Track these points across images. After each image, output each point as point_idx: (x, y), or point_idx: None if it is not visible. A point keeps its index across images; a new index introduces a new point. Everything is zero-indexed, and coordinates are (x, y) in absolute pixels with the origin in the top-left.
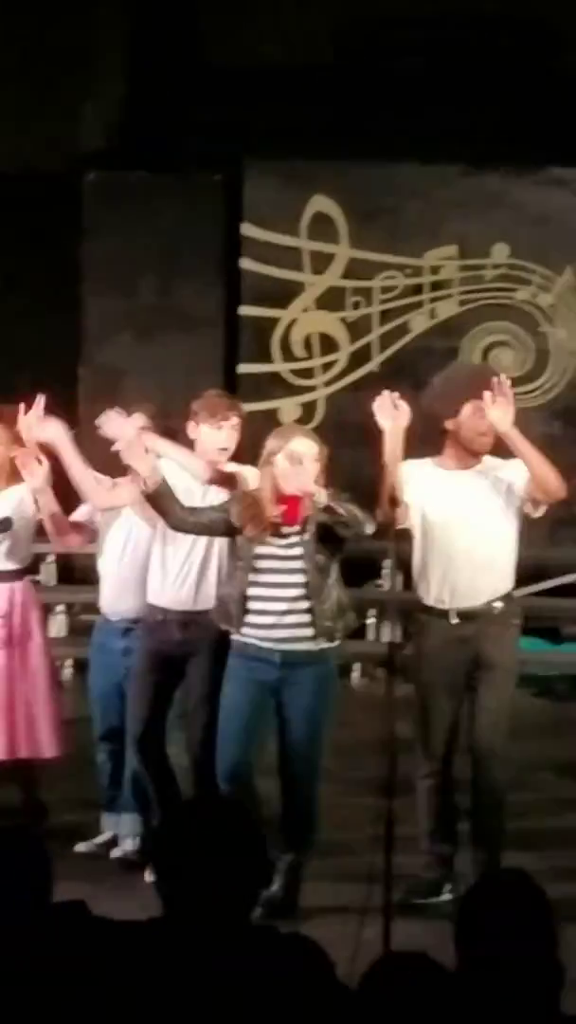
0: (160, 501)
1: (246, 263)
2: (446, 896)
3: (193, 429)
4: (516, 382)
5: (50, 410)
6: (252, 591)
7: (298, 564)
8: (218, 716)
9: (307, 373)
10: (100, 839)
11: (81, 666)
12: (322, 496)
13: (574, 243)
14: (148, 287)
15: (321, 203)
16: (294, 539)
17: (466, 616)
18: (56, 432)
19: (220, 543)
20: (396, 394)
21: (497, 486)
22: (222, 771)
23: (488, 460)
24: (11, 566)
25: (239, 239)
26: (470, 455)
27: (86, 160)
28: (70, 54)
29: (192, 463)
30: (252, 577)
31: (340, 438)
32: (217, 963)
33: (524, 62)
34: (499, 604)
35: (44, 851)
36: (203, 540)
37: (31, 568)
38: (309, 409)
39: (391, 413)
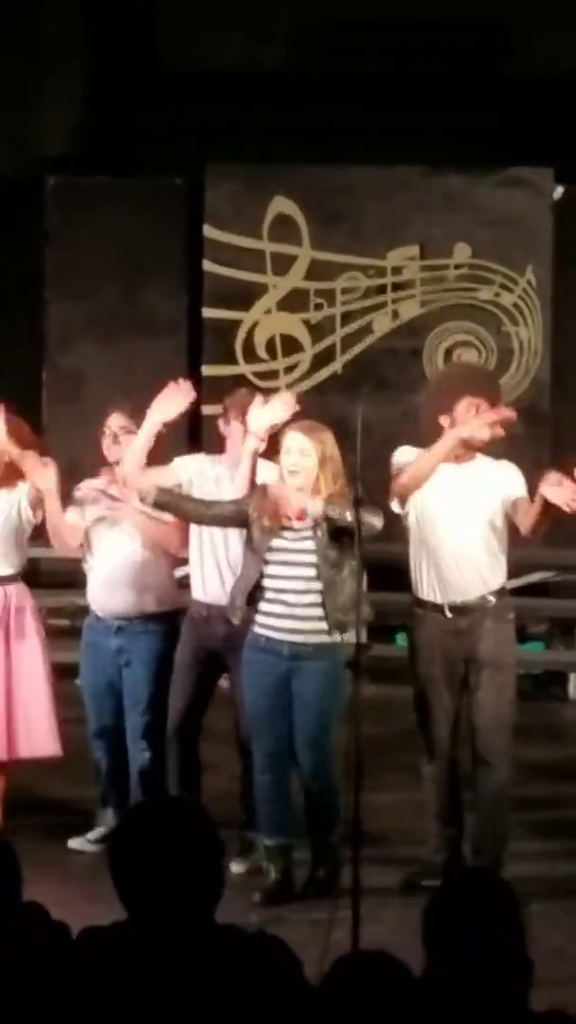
0: (170, 507)
1: (208, 265)
2: None
3: (224, 426)
4: None
5: (13, 414)
6: (265, 583)
7: (309, 558)
8: None
9: (271, 375)
10: (93, 835)
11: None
12: (316, 507)
13: (535, 243)
14: (111, 291)
15: (282, 205)
16: (305, 533)
17: (460, 610)
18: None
19: None
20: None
21: (487, 483)
22: (257, 763)
23: (481, 458)
24: (6, 570)
25: (201, 242)
26: (465, 450)
27: (47, 165)
28: (29, 59)
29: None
30: (265, 569)
31: None
32: (183, 964)
33: (483, 63)
34: (492, 598)
35: (12, 856)
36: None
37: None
38: None
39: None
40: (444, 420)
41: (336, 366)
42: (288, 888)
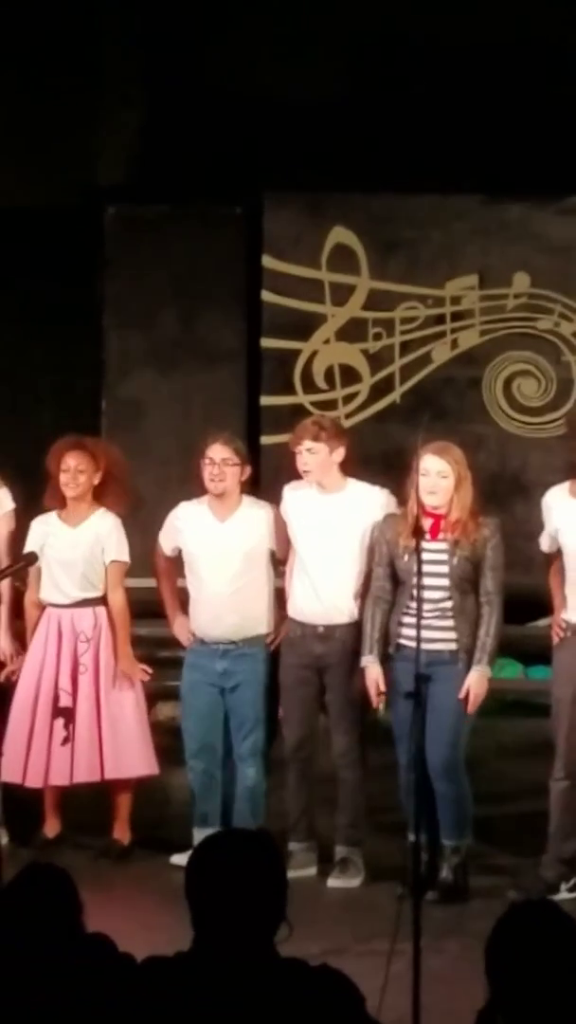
0: None
1: (267, 295)
2: (564, 895)
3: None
4: (538, 412)
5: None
6: (403, 595)
7: (442, 581)
8: (360, 724)
9: (329, 405)
10: None
11: None
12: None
13: None
14: (169, 320)
15: (341, 235)
16: (441, 556)
17: None
18: None
19: (363, 556)
20: None
21: None
22: (403, 763)
23: None
24: (93, 593)
25: (260, 271)
26: None
27: (106, 195)
28: (87, 89)
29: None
30: (404, 584)
31: (363, 470)
32: (247, 997)
33: (543, 91)
34: None
35: (71, 886)
36: (345, 554)
37: None
38: None
39: None
40: None
41: (395, 396)
42: (462, 886)
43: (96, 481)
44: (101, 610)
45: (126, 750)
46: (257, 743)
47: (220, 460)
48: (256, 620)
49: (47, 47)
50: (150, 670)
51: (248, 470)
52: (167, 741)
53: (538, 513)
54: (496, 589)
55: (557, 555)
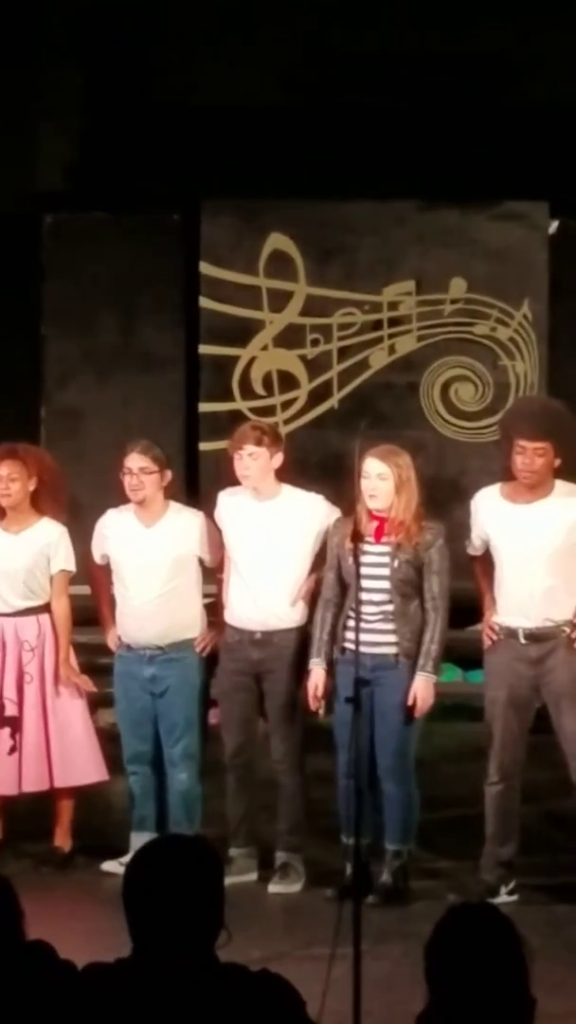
0: None
1: (204, 302)
2: (503, 898)
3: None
4: (476, 416)
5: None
6: (348, 599)
7: (383, 584)
8: (299, 730)
9: (268, 411)
10: (127, 858)
11: None
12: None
13: (531, 277)
14: (108, 327)
15: (278, 241)
16: (383, 559)
17: (534, 638)
18: None
19: (300, 562)
20: None
21: (563, 516)
22: (341, 767)
23: (560, 486)
24: (36, 601)
25: (197, 278)
26: (532, 489)
27: (43, 202)
28: (24, 97)
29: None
30: (349, 587)
31: (301, 475)
32: (186, 1003)
33: (478, 97)
34: (567, 628)
35: (11, 894)
36: (280, 559)
37: None
38: None
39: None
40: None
41: (333, 401)
42: (403, 889)
43: (31, 488)
44: (45, 618)
45: (74, 758)
46: (189, 748)
47: (138, 469)
48: (184, 625)
49: None
50: (91, 684)
51: (169, 475)
52: (108, 748)
53: None
54: (441, 593)
55: (484, 557)
